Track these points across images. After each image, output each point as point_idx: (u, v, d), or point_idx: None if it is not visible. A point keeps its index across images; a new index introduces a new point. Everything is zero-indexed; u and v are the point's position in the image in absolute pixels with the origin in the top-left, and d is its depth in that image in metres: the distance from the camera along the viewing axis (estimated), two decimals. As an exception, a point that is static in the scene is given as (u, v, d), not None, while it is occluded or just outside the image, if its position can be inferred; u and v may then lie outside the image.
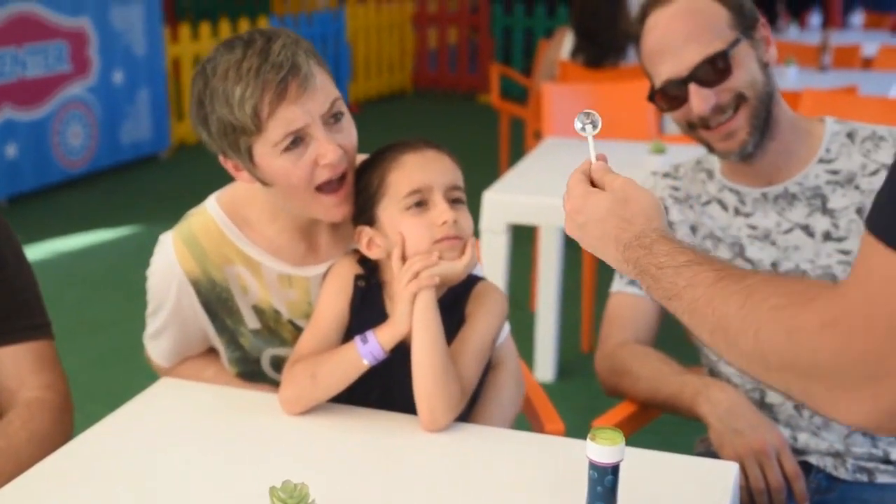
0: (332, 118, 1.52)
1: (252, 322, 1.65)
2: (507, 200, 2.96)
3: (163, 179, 6.40)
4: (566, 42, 5.00)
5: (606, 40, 4.80)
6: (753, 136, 1.70)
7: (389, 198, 1.54)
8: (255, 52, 1.46)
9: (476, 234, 2.76)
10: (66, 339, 4.15)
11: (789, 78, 4.67)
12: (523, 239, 3.77)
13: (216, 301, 1.64)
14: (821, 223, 1.72)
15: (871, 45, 5.74)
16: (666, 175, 1.90)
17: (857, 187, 1.71)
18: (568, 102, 4.09)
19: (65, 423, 1.61)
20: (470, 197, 1.59)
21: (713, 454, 1.68)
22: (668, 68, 1.69)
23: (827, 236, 1.71)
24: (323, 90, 1.50)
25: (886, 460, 1.65)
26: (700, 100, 1.67)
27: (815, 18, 7.30)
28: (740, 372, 1.01)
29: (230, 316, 1.65)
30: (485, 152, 6.39)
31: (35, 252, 4.89)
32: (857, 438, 1.66)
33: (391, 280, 1.57)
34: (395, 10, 9.36)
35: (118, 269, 4.73)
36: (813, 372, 0.89)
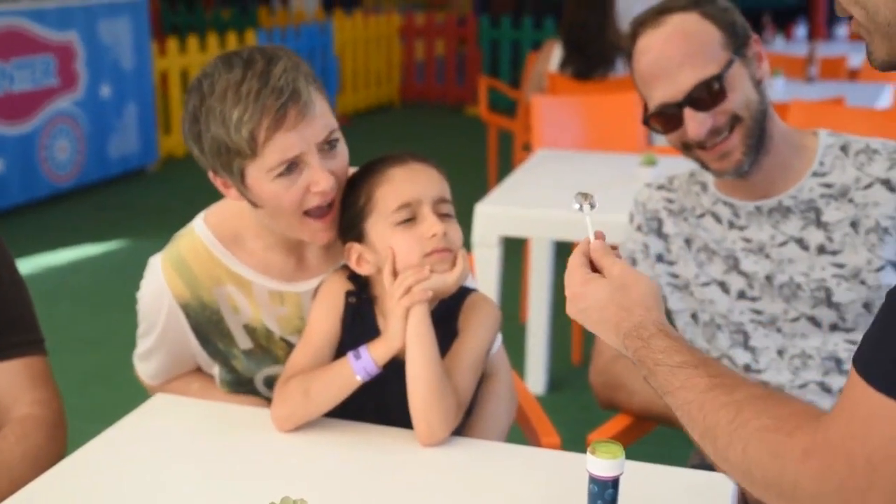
0: (328, 145, 1.51)
1: (244, 342, 1.65)
2: (498, 213, 2.96)
3: (151, 193, 6.38)
4: (555, 54, 5.01)
5: (595, 52, 4.82)
6: (749, 155, 1.70)
7: (378, 213, 1.54)
8: (255, 74, 1.44)
9: (468, 246, 2.77)
10: (54, 354, 4.12)
11: (776, 89, 4.69)
12: (514, 251, 3.77)
13: (207, 324, 1.63)
14: (815, 236, 1.73)
15: (856, 57, 5.77)
16: (661, 187, 1.91)
17: (850, 200, 1.71)
18: (557, 114, 4.10)
19: (58, 440, 1.60)
20: (458, 209, 1.59)
21: (708, 466, 1.67)
22: (662, 92, 1.69)
23: (821, 249, 1.72)
24: (322, 118, 1.49)
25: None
26: (696, 124, 1.66)
27: (800, 30, 7.34)
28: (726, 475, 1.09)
29: (222, 338, 1.64)
30: (473, 165, 6.40)
31: (22, 267, 4.79)
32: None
33: (382, 295, 1.56)
34: (382, 23, 9.38)
35: (106, 283, 4.70)
36: (795, 494, 0.94)
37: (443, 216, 1.54)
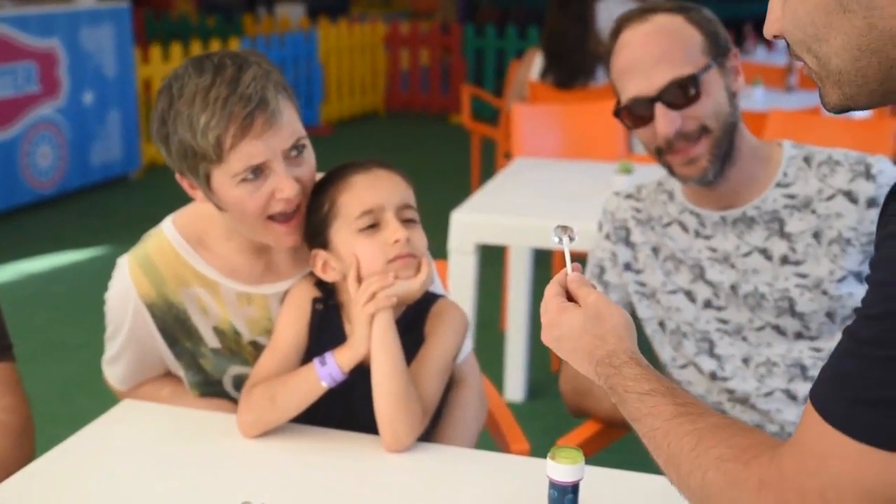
0: (294, 151, 1.52)
1: (212, 342, 1.65)
2: (475, 220, 2.97)
3: (133, 200, 6.37)
4: (536, 63, 5.04)
5: (575, 62, 4.84)
6: (714, 164, 1.71)
7: (341, 220, 1.54)
8: (224, 80, 1.45)
9: (444, 254, 2.77)
10: (34, 361, 4.12)
11: (756, 98, 4.72)
12: (493, 259, 3.78)
13: (173, 323, 1.64)
14: (779, 247, 1.74)
15: (836, 67, 5.80)
16: (629, 196, 1.92)
17: (813, 211, 1.73)
18: (537, 123, 4.12)
19: (25, 448, 1.60)
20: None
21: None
22: (636, 86, 1.70)
23: (784, 260, 1.73)
24: (289, 126, 1.50)
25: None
26: (666, 121, 1.68)
27: (781, 40, 7.37)
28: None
29: (189, 338, 1.65)
30: (457, 173, 6.41)
31: (3, 274, 4.84)
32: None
33: (348, 302, 1.57)
34: (367, 31, 9.40)
35: (88, 290, 4.69)
36: None
37: (406, 222, 1.55)
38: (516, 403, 3.52)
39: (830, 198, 1.72)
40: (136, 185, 6.71)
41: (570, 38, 4.81)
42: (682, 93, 1.67)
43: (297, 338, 1.58)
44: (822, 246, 1.71)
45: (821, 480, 0.90)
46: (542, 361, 3.80)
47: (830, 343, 1.71)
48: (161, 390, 1.72)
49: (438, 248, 2.03)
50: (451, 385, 1.65)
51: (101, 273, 5.63)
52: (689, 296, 1.80)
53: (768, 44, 7.30)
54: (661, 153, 1.74)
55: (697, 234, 1.81)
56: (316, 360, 1.52)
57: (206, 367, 1.66)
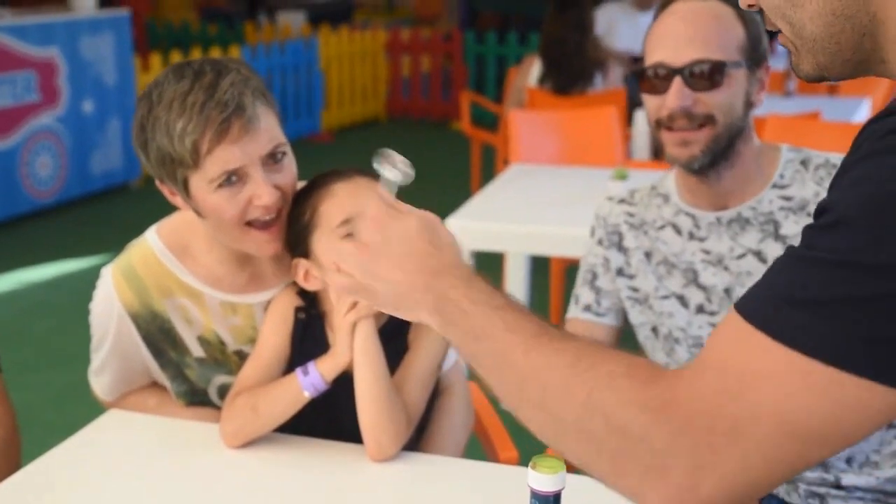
0: (272, 158, 1.51)
1: (197, 351, 1.64)
2: (471, 227, 2.96)
3: (133, 209, 6.36)
4: (534, 69, 5.03)
5: (574, 68, 4.83)
6: (706, 156, 1.70)
7: (322, 228, 1.54)
8: (202, 86, 1.45)
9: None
10: (34, 370, 4.11)
11: (755, 103, 4.70)
12: (490, 266, 3.76)
13: (158, 333, 1.63)
14: (773, 249, 1.73)
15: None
16: (622, 201, 1.91)
17: (809, 214, 1.71)
18: (535, 129, 4.11)
19: (10, 458, 1.59)
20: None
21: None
22: (665, 53, 1.69)
23: None
24: (267, 132, 1.50)
25: (837, 486, 1.65)
26: (679, 96, 1.67)
27: (778, 43, 7.36)
28: (536, 431, 0.96)
29: (174, 348, 1.64)
30: (458, 179, 6.40)
31: (3, 283, 4.84)
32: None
33: (331, 310, 1.56)
34: (367, 38, 9.40)
35: (88, 300, 4.66)
36: (638, 447, 0.86)
37: None
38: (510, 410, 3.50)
39: None
40: (136, 194, 6.71)
41: (569, 45, 4.80)
42: (705, 75, 1.67)
43: (280, 347, 1.57)
44: (816, 250, 1.69)
45: (739, 405, 0.82)
46: (540, 368, 3.78)
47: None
48: (147, 400, 1.71)
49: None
50: (437, 393, 1.64)
51: (100, 282, 5.53)
52: (682, 301, 1.79)
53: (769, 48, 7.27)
54: (659, 125, 1.73)
55: (691, 237, 1.79)
56: (298, 370, 1.51)
57: (191, 376, 1.66)
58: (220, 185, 1.48)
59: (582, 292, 1.91)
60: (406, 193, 1.12)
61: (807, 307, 0.81)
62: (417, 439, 1.60)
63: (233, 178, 1.48)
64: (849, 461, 1.64)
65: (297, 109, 8.34)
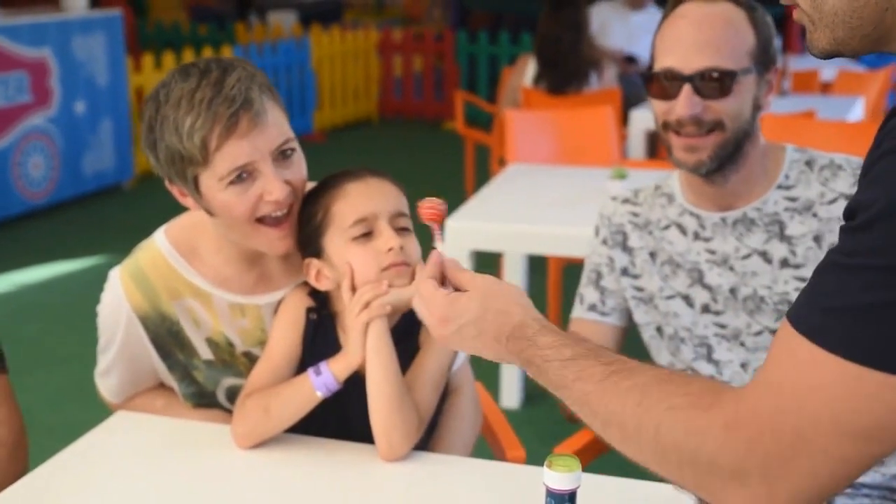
0: (282, 154, 1.51)
1: (205, 353, 1.64)
2: (469, 227, 2.97)
3: (126, 210, 6.34)
4: (529, 69, 5.03)
5: (569, 67, 4.84)
6: (713, 161, 1.70)
7: (335, 228, 1.53)
8: (209, 82, 1.45)
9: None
10: (26, 372, 4.09)
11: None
12: (488, 266, 3.76)
13: (166, 335, 1.62)
14: (778, 250, 1.73)
15: (829, 70, 5.82)
16: (626, 200, 1.91)
17: (815, 215, 1.72)
18: (531, 128, 4.11)
19: (19, 460, 1.59)
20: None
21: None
22: (675, 59, 1.68)
23: (784, 263, 1.72)
24: (275, 126, 1.50)
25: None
26: (688, 104, 1.67)
27: (775, 43, 7.38)
28: (638, 463, 1.05)
29: (182, 350, 1.63)
30: (451, 179, 6.40)
31: (-5, 285, 4.83)
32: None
33: (342, 311, 1.56)
34: (359, 38, 9.38)
35: (80, 301, 4.66)
36: (712, 468, 0.92)
37: (400, 230, 1.54)
38: (512, 410, 3.51)
39: (832, 202, 1.71)
40: (129, 195, 6.69)
41: (564, 44, 4.81)
42: (714, 83, 1.66)
43: (291, 348, 1.57)
44: (822, 250, 1.70)
45: (798, 418, 0.87)
46: (537, 368, 3.78)
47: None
48: (154, 402, 1.71)
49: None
50: (445, 394, 1.64)
51: (94, 283, 5.59)
52: (687, 300, 1.79)
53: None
54: (667, 128, 1.72)
55: (696, 237, 1.80)
56: (310, 370, 1.51)
57: (199, 378, 1.65)
58: (231, 183, 1.48)
59: (586, 292, 1.92)
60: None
61: (847, 314, 0.84)
62: (426, 440, 1.59)
63: (243, 175, 1.47)
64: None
65: (289, 110, 8.13)
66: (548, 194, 3.23)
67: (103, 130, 6.55)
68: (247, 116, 1.45)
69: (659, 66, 1.72)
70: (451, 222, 2.96)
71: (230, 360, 1.64)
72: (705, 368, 1.77)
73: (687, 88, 1.67)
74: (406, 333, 1.57)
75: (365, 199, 1.53)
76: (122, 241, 5.61)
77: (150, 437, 1.59)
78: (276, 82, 8.12)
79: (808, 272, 1.70)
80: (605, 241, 1.90)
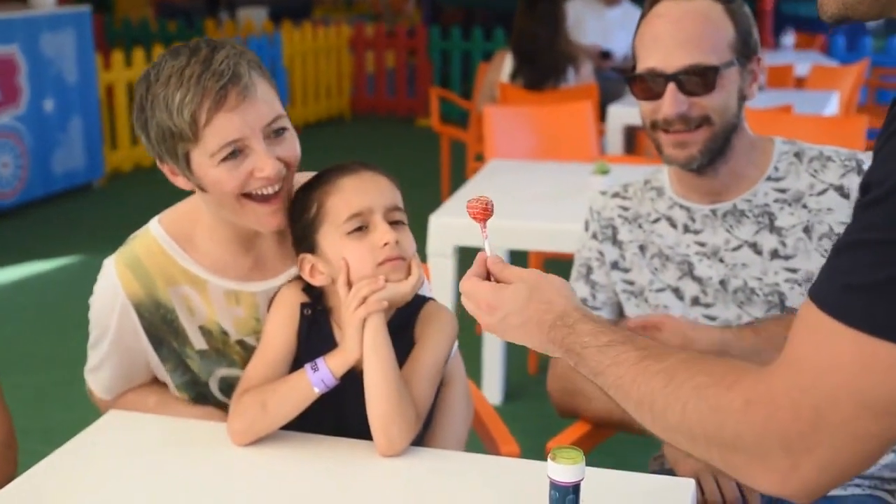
0: (274, 133, 1.51)
1: (199, 343, 1.63)
2: (453, 223, 2.96)
3: (97, 209, 6.28)
4: (506, 64, 5.03)
5: (546, 63, 4.84)
6: (704, 155, 1.71)
7: (329, 224, 1.53)
8: (198, 60, 1.47)
9: (423, 257, 2.75)
10: (2, 374, 4.04)
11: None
12: (471, 261, 3.76)
13: (160, 323, 1.61)
14: (769, 241, 1.74)
15: (802, 65, 5.87)
16: (615, 195, 1.91)
17: (804, 206, 1.73)
18: (509, 124, 4.11)
19: (9, 461, 1.58)
20: (412, 221, 1.59)
21: (668, 472, 1.68)
22: (657, 59, 1.69)
23: (774, 254, 1.73)
24: (265, 103, 1.50)
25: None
26: (674, 103, 1.67)
27: (755, 33, 7.42)
28: (666, 441, 1.11)
29: (176, 338, 1.62)
30: (426, 176, 6.39)
31: (-33, 285, 4.76)
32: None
33: (337, 306, 1.55)
34: (331, 34, 9.35)
35: (53, 301, 4.62)
36: (736, 444, 0.96)
37: (395, 224, 1.53)
38: (494, 406, 3.50)
39: (822, 192, 1.72)
40: (100, 194, 6.62)
41: (540, 40, 4.82)
42: (698, 80, 1.67)
43: (286, 344, 1.56)
44: (812, 241, 1.71)
45: (816, 395, 0.89)
46: (519, 364, 3.79)
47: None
48: (147, 399, 1.69)
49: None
50: (439, 386, 1.64)
51: (67, 283, 5.55)
52: (677, 293, 1.80)
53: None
54: (655, 127, 1.73)
55: (686, 229, 1.80)
56: (307, 366, 1.50)
57: (193, 367, 1.64)
58: (224, 160, 1.48)
59: (577, 287, 1.92)
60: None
61: (864, 289, 0.86)
62: (421, 433, 1.59)
63: (235, 152, 1.48)
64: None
65: (261, 107, 8.25)
66: (528, 190, 3.23)
67: (73, 129, 6.47)
68: (235, 90, 1.45)
69: (641, 66, 1.72)
70: (435, 218, 2.95)
71: (223, 348, 1.63)
72: (698, 361, 1.77)
73: (671, 87, 1.67)
74: (402, 328, 1.57)
75: (359, 194, 1.52)
76: (94, 240, 5.60)
77: (145, 437, 1.57)
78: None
79: (798, 263, 1.71)
80: (594, 236, 1.90)
